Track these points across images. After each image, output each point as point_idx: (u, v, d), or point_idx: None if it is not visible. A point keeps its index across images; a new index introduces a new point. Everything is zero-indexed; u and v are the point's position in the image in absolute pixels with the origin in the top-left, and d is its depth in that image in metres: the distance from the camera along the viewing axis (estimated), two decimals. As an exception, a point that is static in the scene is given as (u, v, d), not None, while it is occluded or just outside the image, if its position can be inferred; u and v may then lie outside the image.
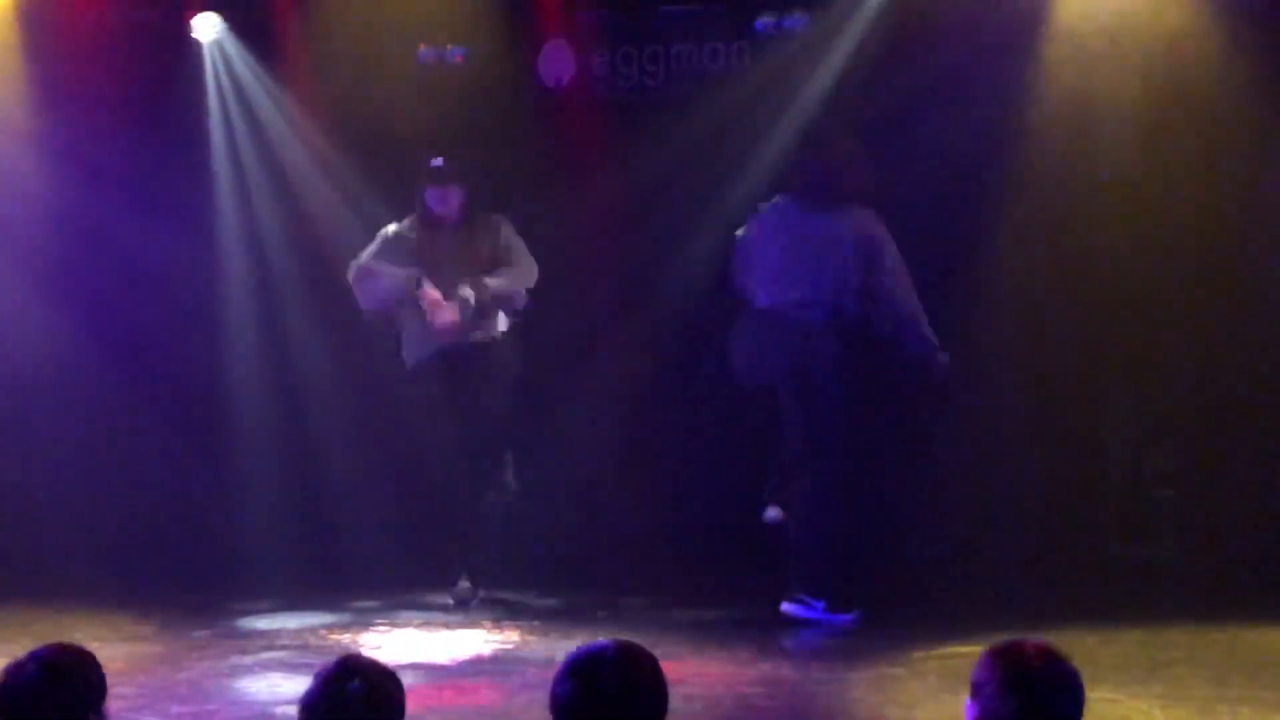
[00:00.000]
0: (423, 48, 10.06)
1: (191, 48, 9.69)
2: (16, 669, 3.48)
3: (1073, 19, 8.97)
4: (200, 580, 9.09)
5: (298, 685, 3.46)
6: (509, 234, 8.75)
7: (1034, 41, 9.03)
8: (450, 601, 8.44)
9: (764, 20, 9.65)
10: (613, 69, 9.99)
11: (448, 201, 8.63)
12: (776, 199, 8.31)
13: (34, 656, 3.50)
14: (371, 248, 8.70)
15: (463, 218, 8.65)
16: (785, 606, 8.00)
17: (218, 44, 9.77)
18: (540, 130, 9.99)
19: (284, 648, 7.48)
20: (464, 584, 8.49)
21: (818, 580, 7.92)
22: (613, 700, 3.25)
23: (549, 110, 10.02)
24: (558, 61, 9.99)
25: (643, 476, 9.90)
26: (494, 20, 9.99)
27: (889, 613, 8.04)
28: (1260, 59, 8.76)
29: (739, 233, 8.37)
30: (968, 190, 9.33)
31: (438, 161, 8.64)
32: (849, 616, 7.92)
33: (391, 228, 8.72)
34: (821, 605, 7.92)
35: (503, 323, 8.70)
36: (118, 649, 7.25)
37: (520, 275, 8.70)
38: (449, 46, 10.08)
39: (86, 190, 9.46)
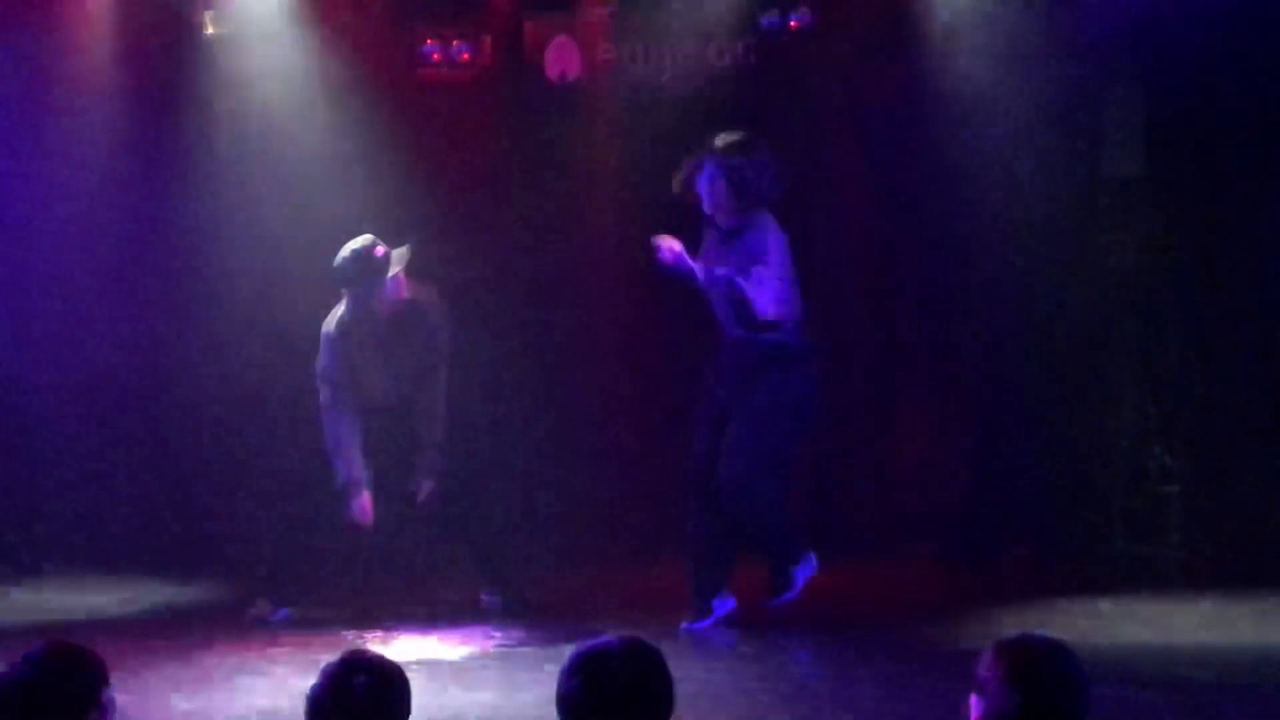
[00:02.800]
0: (429, 42, 10.06)
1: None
2: (13, 666, 3.48)
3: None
4: (207, 575, 9.11)
5: (304, 681, 3.46)
6: (437, 319, 7.95)
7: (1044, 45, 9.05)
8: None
9: (769, 18, 9.65)
10: (619, 65, 9.98)
11: (400, 288, 7.83)
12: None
13: (31, 654, 3.49)
14: (328, 364, 7.91)
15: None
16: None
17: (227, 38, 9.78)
18: (546, 126, 9.98)
19: (290, 643, 7.47)
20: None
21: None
22: (619, 696, 3.26)
23: (555, 106, 10.02)
24: (564, 57, 9.98)
25: (648, 475, 9.89)
26: (500, 15, 9.99)
27: (894, 609, 8.04)
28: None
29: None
30: (972, 188, 9.33)
31: (380, 250, 7.76)
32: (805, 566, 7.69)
33: (333, 327, 7.91)
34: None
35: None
36: (123, 643, 7.25)
37: (438, 405, 7.92)
38: (454, 43, 10.08)
39: (92, 185, 9.48)
